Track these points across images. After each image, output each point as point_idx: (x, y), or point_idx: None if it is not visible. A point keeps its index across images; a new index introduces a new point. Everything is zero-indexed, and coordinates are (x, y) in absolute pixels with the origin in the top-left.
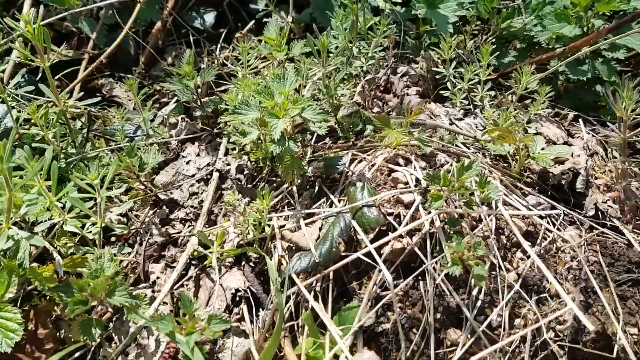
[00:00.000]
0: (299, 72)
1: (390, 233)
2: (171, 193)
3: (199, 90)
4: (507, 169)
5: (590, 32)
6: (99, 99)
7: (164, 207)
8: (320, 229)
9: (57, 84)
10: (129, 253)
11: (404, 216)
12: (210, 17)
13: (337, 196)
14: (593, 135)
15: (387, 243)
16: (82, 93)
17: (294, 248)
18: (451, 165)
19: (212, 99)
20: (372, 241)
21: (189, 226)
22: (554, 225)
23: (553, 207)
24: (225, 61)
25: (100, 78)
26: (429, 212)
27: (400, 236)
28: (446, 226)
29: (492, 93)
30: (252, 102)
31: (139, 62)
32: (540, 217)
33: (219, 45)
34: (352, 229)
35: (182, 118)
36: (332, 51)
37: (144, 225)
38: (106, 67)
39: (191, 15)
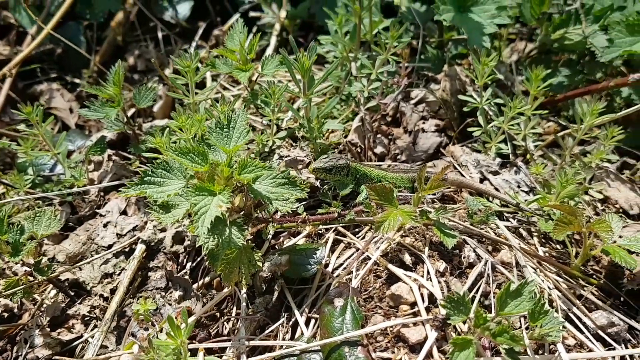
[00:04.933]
0: (265, 103)
1: None
2: (80, 269)
3: (133, 119)
4: (562, 261)
5: None
6: None
7: (63, 294)
8: None
9: None
10: None
11: None
12: (185, 8)
13: (307, 312)
14: None
15: None
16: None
17: None
18: (485, 264)
19: (153, 128)
20: None
21: (94, 327)
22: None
23: (630, 328)
24: (205, 63)
25: (43, 82)
26: None
27: None
28: None
29: (537, 131)
30: (175, 165)
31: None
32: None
33: (194, 43)
34: None
35: (109, 155)
36: (329, 62)
37: (24, 331)
38: (52, 68)
39: (161, 6)
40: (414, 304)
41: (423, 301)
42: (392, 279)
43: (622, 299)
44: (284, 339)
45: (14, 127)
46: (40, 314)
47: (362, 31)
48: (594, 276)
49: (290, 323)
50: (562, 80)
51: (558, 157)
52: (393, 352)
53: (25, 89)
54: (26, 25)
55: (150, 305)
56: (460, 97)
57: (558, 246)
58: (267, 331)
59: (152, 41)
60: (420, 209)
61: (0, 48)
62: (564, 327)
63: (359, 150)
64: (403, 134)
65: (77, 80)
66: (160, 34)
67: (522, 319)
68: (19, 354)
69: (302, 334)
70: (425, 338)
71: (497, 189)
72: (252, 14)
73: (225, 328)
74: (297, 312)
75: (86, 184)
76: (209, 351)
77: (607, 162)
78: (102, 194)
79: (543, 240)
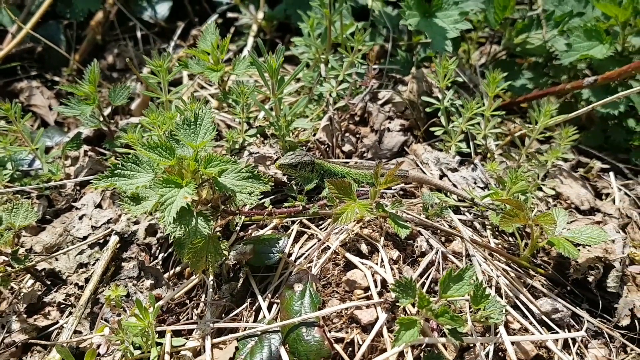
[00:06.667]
0: (235, 102)
1: None
2: (56, 260)
3: (108, 115)
4: (512, 251)
5: (626, 53)
6: None
7: (40, 283)
8: (233, 357)
9: None
10: None
11: (360, 345)
12: (163, 8)
13: (270, 298)
14: (627, 194)
15: None
16: None
17: None
18: (436, 253)
19: (128, 125)
20: None
21: (69, 314)
22: (574, 343)
23: (574, 315)
24: (179, 63)
25: (23, 80)
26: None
27: None
28: None
29: (498, 130)
30: (144, 159)
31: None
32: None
33: (172, 43)
34: None
35: (85, 151)
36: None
37: (1, 317)
38: (32, 66)
39: (140, 5)
40: (367, 289)
41: (376, 286)
42: (349, 266)
43: (568, 288)
44: (247, 322)
45: None
46: (18, 301)
47: (334, 34)
48: (543, 266)
49: (254, 307)
50: (525, 82)
51: (517, 156)
52: (347, 332)
53: (6, 86)
54: (6, 24)
55: (122, 292)
56: (424, 98)
57: (510, 239)
58: (232, 315)
59: (131, 40)
60: (377, 202)
61: None
62: (506, 310)
63: (327, 148)
64: (370, 132)
65: (57, 78)
66: (139, 34)
67: (469, 304)
68: None
69: (264, 316)
70: (376, 319)
71: (454, 185)
72: (230, 14)
73: (194, 314)
74: (260, 297)
75: (63, 178)
76: (176, 333)
77: (562, 160)
78: (78, 188)
79: (496, 233)
